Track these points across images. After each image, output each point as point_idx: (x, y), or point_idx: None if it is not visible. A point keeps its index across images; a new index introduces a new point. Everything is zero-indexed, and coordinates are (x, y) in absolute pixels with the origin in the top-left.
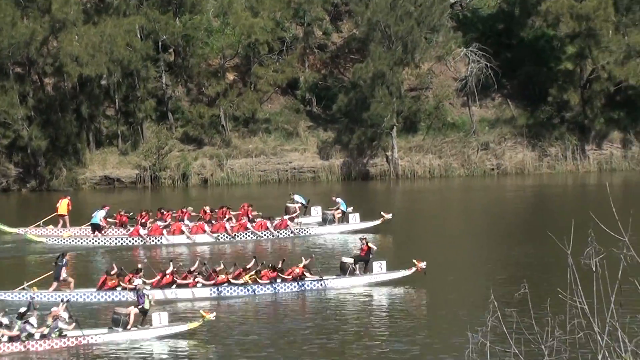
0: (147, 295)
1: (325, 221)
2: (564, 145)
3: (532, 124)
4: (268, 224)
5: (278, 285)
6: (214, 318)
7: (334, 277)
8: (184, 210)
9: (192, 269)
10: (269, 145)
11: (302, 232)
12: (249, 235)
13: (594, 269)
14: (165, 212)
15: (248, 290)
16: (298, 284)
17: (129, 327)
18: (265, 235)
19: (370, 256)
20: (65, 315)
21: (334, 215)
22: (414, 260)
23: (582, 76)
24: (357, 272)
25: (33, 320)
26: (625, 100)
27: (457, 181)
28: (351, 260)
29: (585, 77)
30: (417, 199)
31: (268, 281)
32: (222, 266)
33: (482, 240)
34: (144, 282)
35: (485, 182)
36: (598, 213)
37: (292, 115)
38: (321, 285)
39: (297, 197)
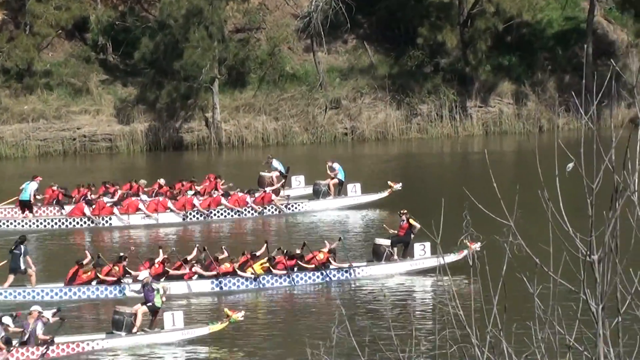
0: (158, 290)
1: (318, 194)
2: (439, 101)
3: (396, 74)
4: (248, 198)
5: (296, 276)
6: (242, 319)
7: (365, 263)
8: (134, 183)
9: (189, 257)
10: (50, 105)
11: (290, 208)
12: (225, 213)
13: (470, 263)
14: (110, 186)
15: (258, 282)
16: (322, 273)
17: (134, 330)
18: (245, 212)
19: (412, 236)
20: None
21: (329, 186)
22: (466, 241)
23: (462, 11)
24: (395, 256)
25: (7, 320)
26: (518, 42)
27: (299, 150)
28: (387, 242)
29: (466, 12)
30: (246, 175)
31: (284, 271)
32: (224, 253)
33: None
34: (127, 273)
35: (336, 151)
36: (479, 191)
37: (81, 67)
38: (350, 274)
39: (275, 163)
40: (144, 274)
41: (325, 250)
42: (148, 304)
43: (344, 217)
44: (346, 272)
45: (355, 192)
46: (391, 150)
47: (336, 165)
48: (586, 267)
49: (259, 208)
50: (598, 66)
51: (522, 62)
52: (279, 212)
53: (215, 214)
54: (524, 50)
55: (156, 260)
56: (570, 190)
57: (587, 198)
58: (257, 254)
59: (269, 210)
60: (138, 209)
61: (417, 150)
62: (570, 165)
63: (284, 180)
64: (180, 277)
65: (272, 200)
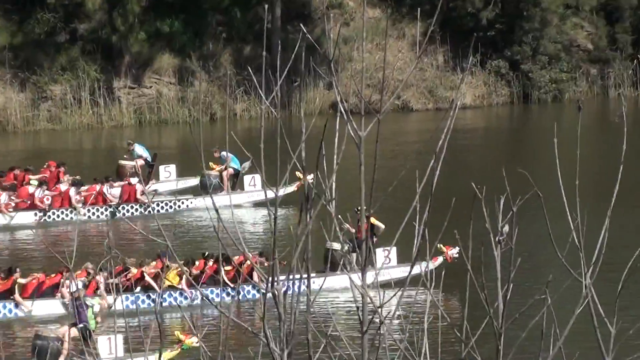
0: (92, 307)
1: (206, 187)
2: (77, 80)
3: (19, 44)
4: (106, 189)
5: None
6: (197, 344)
7: (314, 274)
8: None
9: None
10: None
11: (170, 207)
12: (75, 212)
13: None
14: None
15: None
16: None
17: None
18: (101, 211)
19: (375, 239)
20: None
21: (221, 178)
22: (441, 245)
23: None
24: (354, 264)
25: None
26: (183, 1)
27: None
28: (343, 247)
29: None
30: None
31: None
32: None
33: None
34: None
35: None
36: None
37: None
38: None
39: (138, 149)
40: (78, 285)
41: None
42: (79, 326)
43: (239, 216)
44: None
45: (254, 186)
46: (13, 145)
47: (225, 153)
48: None
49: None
50: (289, 33)
51: (187, 28)
52: (149, 211)
53: (61, 214)
54: (190, 13)
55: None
56: None
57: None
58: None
59: (133, 209)
60: None
61: (47, 146)
62: (247, 164)
63: (150, 169)
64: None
65: (137, 197)
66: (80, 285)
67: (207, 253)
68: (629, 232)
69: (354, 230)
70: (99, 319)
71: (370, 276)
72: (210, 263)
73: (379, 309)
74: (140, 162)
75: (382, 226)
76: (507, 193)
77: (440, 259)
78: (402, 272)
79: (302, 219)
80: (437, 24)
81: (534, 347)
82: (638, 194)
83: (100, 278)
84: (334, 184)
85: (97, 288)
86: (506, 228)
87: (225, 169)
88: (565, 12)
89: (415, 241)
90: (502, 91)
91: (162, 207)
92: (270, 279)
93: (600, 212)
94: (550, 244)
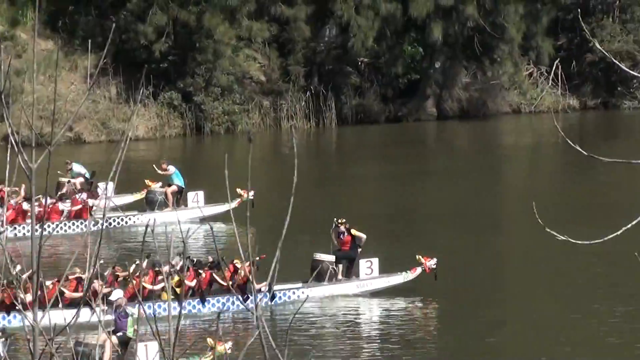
0: (132, 315)
1: (153, 204)
2: None
3: None
4: (61, 206)
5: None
6: (230, 351)
7: (300, 284)
8: None
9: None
10: None
11: (115, 223)
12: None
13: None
14: None
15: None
16: (238, 297)
17: None
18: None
19: (359, 250)
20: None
21: (165, 194)
22: (419, 257)
23: None
24: (340, 276)
25: None
26: None
27: None
28: (331, 258)
29: None
30: None
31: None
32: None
33: None
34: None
35: None
36: None
37: None
38: (275, 298)
39: (76, 167)
40: (117, 294)
41: (245, 263)
42: (118, 334)
43: (184, 232)
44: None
45: (197, 202)
46: None
47: (171, 168)
48: None
49: (71, 223)
50: None
51: None
52: (97, 227)
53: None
54: None
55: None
56: None
57: None
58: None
59: (83, 226)
60: None
61: None
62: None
63: (90, 186)
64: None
65: (91, 213)
66: (120, 294)
67: (195, 260)
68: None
69: (336, 242)
70: (136, 327)
71: (352, 286)
72: (202, 272)
73: (50, 341)
74: (80, 179)
75: (364, 236)
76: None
77: (419, 270)
78: (385, 282)
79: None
80: (110, 56)
81: None
82: (310, 225)
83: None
84: None
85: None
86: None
87: (169, 185)
88: (238, 44)
89: None
90: (175, 123)
91: (110, 224)
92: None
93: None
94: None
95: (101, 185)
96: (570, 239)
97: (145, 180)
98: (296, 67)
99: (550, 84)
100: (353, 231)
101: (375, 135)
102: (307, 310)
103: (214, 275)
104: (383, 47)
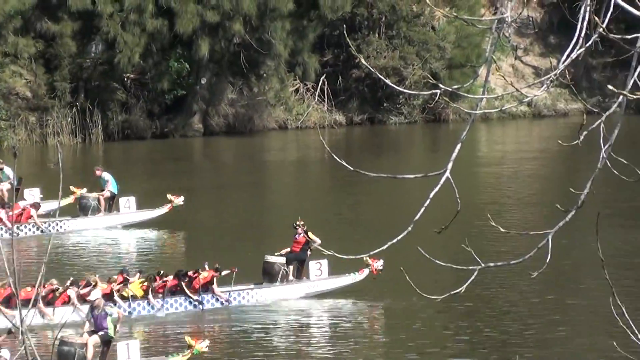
0: (111, 315)
1: (86, 210)
2: None
3: None
4: (2, 214)
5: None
6: (206, 349)
7: (252, 286)
8: None
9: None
10: None
11: (50, 228)
12: None
13: None
14: None
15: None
16: (196, 299)
17: None
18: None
19: (309, 252)
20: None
21: (98, 200)
22: (367, 258)
23: None
24: (291, 277)
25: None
26: None
27: None
28: (281, 260)
29: None
30: None
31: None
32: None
33: None
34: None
35: None
36: None
37: None
38: (227, 300)
39: (7, 170)
40: (95, 294)
41: (208, 269)
42: (100, 333)
43: (115, 238)
44: (225, 296)
45: (129, 208)
46: None
47: (106, 175)
48: None
49: (15, 227)
50: None
51: None
52: (41, 231)
53: None
54: None
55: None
56: None
57: None
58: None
59: (26, 230)
60: None
61: None
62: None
63: (17, 191)
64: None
65: (32, 217)
66: (99, 294)
67: (162, 272)
68: None
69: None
70: (117, 327)
71: (304, 287)
72: (170, 278)
73: None
74: (6, 185)
75: (318, 240)
76: None
77: (366, 271)
78: (333, 283)
79: None
80: None
81: None
82: None
83: (71, 292)
84: None
85: (69, 301)
86: None
87: (102, 192)
88: (4, 61)
89: None
90: None
91: (46, 229)
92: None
93: None
94: None
95: (26, 192)
96: (336, 254)
97: (71, 187)
98: (62, 83)
99: (316, 100)
100: (310, 234)
101: (141, 152)
102: (259, 311)
103: (180, 282)
104: (149, 63)
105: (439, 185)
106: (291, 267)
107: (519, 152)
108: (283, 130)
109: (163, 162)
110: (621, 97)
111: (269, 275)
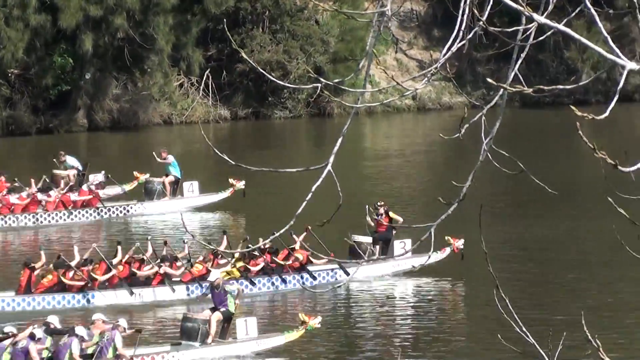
0: (231, 293)
1: (151, 194)
2: None
3: None
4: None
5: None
6: (319, 325)
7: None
8: None
9: (147, 254)
10: None
11: (117, 212)
12: (26, 220)
13: None
14: None
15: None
16: (308, 276)
17: (208, 340)
18: (56, 217)
19: (394, 232)
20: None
21: (163, 184)
22: (449, 238)
23: None
24: (377, 255)
25: (82, 331)
26: None
27: None
28: (368, 239)
29: None
30: None
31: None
32: (184, 251)
33: None
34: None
35: None
36: None
37: None
38: (332, 276)
39: (70, 160)
40: (215, 274)
41: (298, 247)
42: (222, 310)
43: (179, 221)
44: (333, 271)
45: (192, 192)
46: None
47: (171, 158)
48: None
49: (77, 212)
50: None
51: None
52: (102, 216)
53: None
54: None
55: (115, 261)
56: None
57: None
58: (221, 247)
59: (88, 215)
60: None
61: None
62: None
63: (82, 178)
64: (146, 282)
65: (96, 202)
66: (218, 274)
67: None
68: None
69: (373, 224)
70: (238, 302)
71: (389, 266)
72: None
73: None
74: (73, 171)
75: (401, 219)
76: None
77: (448, 250)
78: (417, 262)
79: None
80: None
81: None
82: None
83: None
84: None
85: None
86: None
87: (166, 175)
88: None
89: None
90: None
91: (114, 213)
92: None
93: None
94: None
95: (91, 177)
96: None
97: (134, 172)
98: None
99: (201, 95)
100: (391, 213)
101: (26, 147)
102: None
103: (273, 258)
104: (33, 59)
105: (321, 179)
106: (377, 247)
107: (404, 146)
108: (168, 125)
109: (46, 158)
110: (502, 90)
111: (356, 255)
